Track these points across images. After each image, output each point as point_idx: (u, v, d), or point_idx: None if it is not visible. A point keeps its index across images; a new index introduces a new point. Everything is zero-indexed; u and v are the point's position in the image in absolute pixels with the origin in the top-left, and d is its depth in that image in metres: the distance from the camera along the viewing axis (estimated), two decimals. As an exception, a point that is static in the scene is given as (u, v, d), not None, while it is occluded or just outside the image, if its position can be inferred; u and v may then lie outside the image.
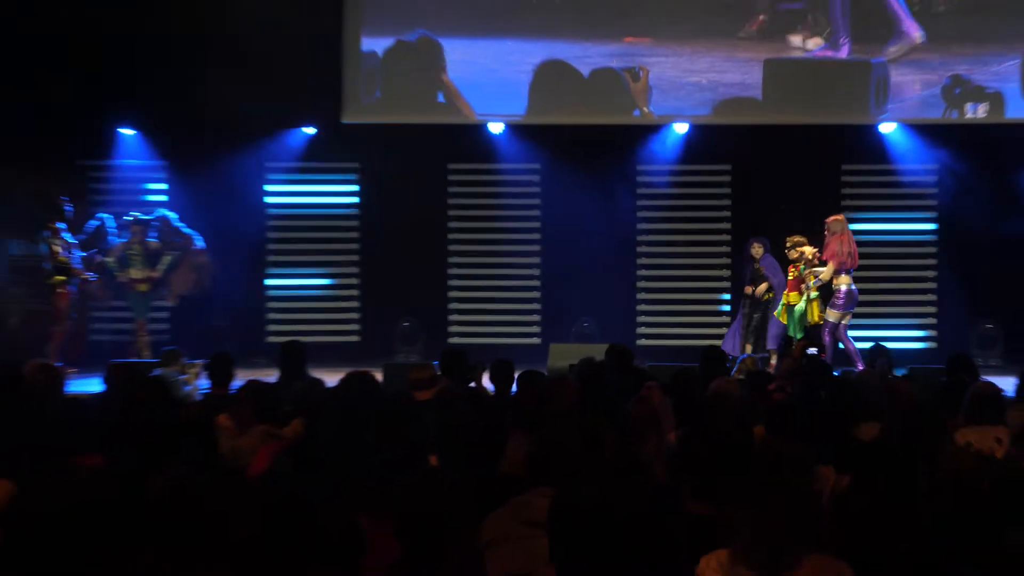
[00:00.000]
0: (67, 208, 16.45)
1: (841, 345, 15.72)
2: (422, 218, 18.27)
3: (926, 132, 17.88)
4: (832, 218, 15.89)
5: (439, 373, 9.84)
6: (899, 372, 12.08)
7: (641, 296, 18.59)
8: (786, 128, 17.67)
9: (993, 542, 4.64)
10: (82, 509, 4.23)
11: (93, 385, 12.80)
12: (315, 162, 18.62)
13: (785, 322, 15.79)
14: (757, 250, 16.43)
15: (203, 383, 12.16)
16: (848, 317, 15.74)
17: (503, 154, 18.41)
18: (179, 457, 5.59)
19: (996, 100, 17.62)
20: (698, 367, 11.05)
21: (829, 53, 17.79)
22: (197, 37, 16.60)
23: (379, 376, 10.63)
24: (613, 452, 6.09)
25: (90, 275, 16.47)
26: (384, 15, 18.05)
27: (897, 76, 17.71)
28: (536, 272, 18.61)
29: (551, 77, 17.94)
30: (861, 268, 15.82)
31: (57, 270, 16.25)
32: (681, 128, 18.12)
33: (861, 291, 15.86)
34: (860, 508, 5.16)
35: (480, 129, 18.27)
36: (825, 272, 15.51)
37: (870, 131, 17.97)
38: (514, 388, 9.83)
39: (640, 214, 18.52)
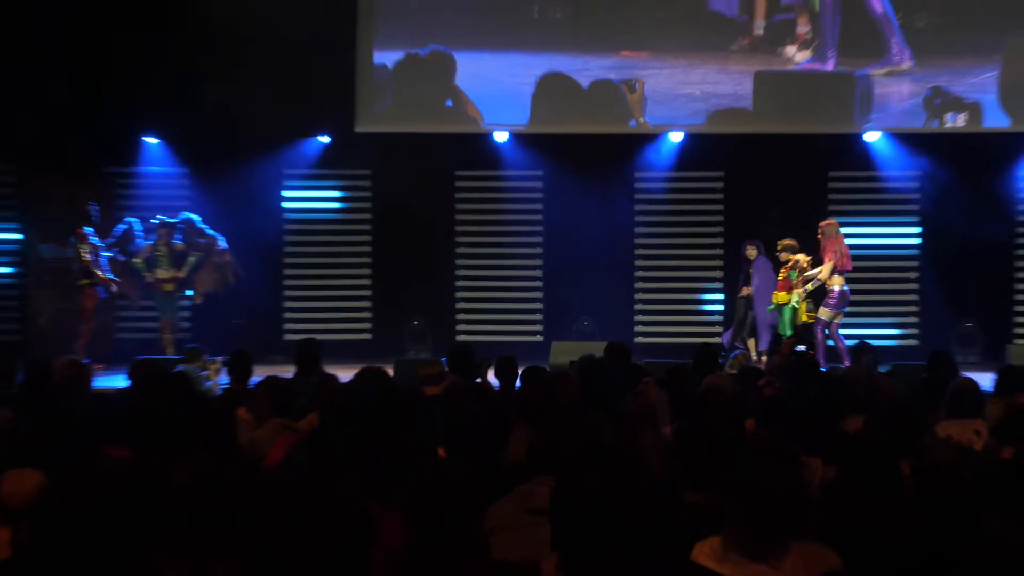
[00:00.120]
0: (94, 212, 16.48)
1: (831, 342, 15.74)
2: (431, 222, 18.27)
3: (909, 141, 17.88)
4: (825, 222, 15.94)
5: (447, 369, 9.86)
6: (883, 368, 12.06)
7: (638, 296, 18.59)
8: (776, 137, 17.68)
9: (973, 530, 4.64)
10: (109, 498, 4.24)
11: (119, 381, 12.81)
12: (329, 169, 18.64)
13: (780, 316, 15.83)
14: (751, 252, 16.48)
15: (223, 379, 12.18)
16: (840, 316, 15.75)
17: (507, 162, 18.41)
18: (201, 448, 5.59)
19: (974, 110, 17.63)
20: (692, 363, 11.06)
21: (817, 66, 17.79)
22: (218, 51, 16.60)
23: (390, 372, 10.63)
24: (612, 444, 6.09)
25: (112, 277, 16.47)
26: (394, 30, 18.06)
27: (881, 87, 17.73)
28: (539, 273, 18.61)
29: (552, 89, 17.95)
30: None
31: (84, 272, 16.28)
32: (676, 137, 18.12)
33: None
34: (845, 498, 5.17)
35: (486, 138, 18.27)
36: (823, 271, 15.52)
37: (856, 140, 17.97)
38: (518, 383, 9.83)
39: (637, 218, 18.52)
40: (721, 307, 18.33)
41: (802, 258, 15.76)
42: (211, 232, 17.10)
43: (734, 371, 12.84)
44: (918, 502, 5.10)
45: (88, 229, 16.32)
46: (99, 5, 16.65)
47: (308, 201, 18.77)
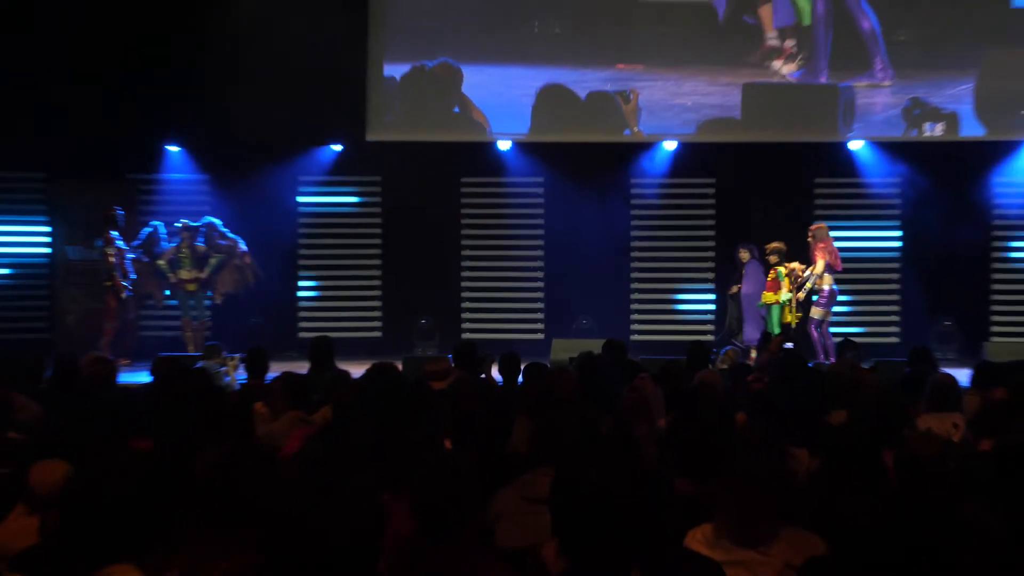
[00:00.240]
0: (120, 217, 16.51)
1: (820, 340, 15.78)
2: (438, 226, 18.27)
3: (890, 149, 17.88)
4: (815, 226, 16.02)
5: (453, 365, 9.85)
6: (866, 364, 12.05)
7: (634, 296, 18.58)
8: (765, 145, 17.66)
9: (952, 518, 4.63)
10: (132, 488, 4.24)
11: (142, 376, 12.81)
12: (342, 175, 18.63)
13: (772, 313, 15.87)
14: (743, 255, 16.51)
15: (241, 374, 12.17)
16: (829, 315, 15.78)
17: (510, 169, 18.40)
18: (220, 440, 5.59)
19: (951, 120, 17.63)
20: (685, 360, 11.06)
21: (802, 78, 17.78)
22: (236, 63, 16.58)
23: (399, 367, 10.63)
24: (608, 435, 6.09)
25: (133, 278, 16.51)
26: (403, 44, 18.06)
27: (863, 98, 17.73)
28: (540, 274, 18.60)
29: (551, 99, 17.95)
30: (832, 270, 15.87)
31: (109, 274, 16.31)
32: (670, 146, 18.11)
33: (833, 291, 15.94)
34: (830, 487, 5.16)
35: (490, 146, 18.26)
36: (817, 268, 15.55)
37: (840, 148, 17.96)
38: (520, 379, 9.83)
39: (633, 223, 18.50)
40: (712, 307, 18.32)
41: (796, 266, 15.79)
42: (232, 235, 17.11)
43: (725, 367, 12.86)
44: (902, 491, 5.10)
45: (114, 233, 16.35)
46: (125, 24, 16.63)
47: (322, 206, 18.75)
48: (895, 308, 18.24)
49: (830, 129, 17.84)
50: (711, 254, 18.40)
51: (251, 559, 4.14)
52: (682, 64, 17.87)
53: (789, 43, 17.78)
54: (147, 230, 17.13)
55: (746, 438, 6.20)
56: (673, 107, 17.92)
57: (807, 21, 17.76)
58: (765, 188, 17.80)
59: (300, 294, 18.68)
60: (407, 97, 18.11)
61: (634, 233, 18.51)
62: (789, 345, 13.78)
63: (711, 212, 18.47)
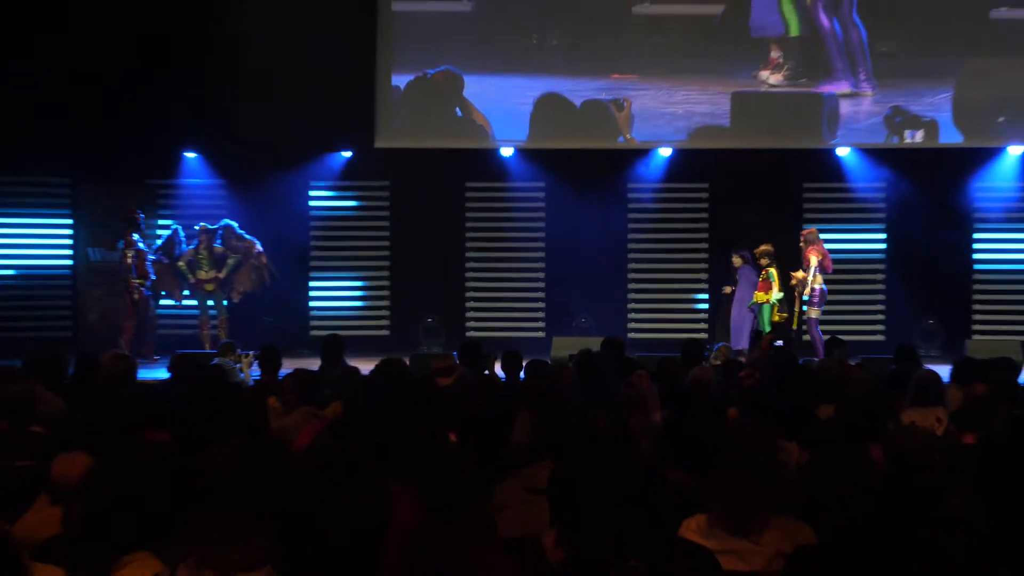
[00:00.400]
0: (141, 219, 16.56)
1: (807, 337, 15.81)
2: (443, 229, 18.27)
3: (875, 155, 17.88)
4: (807, 230, 16.08)
5: (458, 362, 9.84)
6: (853, 361, 12.03)
7: (631, 296, 18.57)
8: (756, 152, 17.67)
9: (937, 509, 4.62)
10: (151, 479, 4.23)
11: (161, 373, 12.81)
12: (351, 180, 18.63)
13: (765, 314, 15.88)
14: (737, 260, 16.52)
15: (255, 371, 12.17)
16: (820, 313, 15.84)
17: (513, 174, 18.40)
18: (234, 433, 5.58)
19: (931, 127, 17.65)
20: (680, 357, 11.05)
21: (789, 87, 17.80)
22: (250, 74, 16.61)
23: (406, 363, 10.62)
24: (605, 429, 6.08)
25: (148, 282, 16.54)
26: (409, 54, 18.09)
27: (846, 106, 17.74)
28: (541, 275, 18.59)
29: (549, 108, 17.97)
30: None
31: (129, 274, 16.36)
32: (665, 152, 18.12)
33: (821, 291, 15.96)
34: (819, 478, 5.15)
35: (493, 153, 18.27)
36: (811, 268, 15.59)
37: (828, 154, 17.97)
38: (522, 375, 9.82)
39: (630, 226, 18.50)
40: (706, 306, 18.32)
41: (799, 275, 15.82)
42: (248, 237, 17.12)
43: (718, 363, 12.85)
44: (888, 482, 5.09)
45: (135, 236, 16.40)
46: (146, 39, 16.64)
47: (332, 209, 18.76)
48: (881, 307, 18.23)
49: (815, 136, 17.86)
50: (705, 256, 18.40)
51: (264, 547, 4.13)
52: (674, 74, 17.89)
53: (776, 53, 17.78)
54: (167, 233, 17.17)
55: (738, 432, 6.19)
56: (665, 115, 17.94)
57: (794, 32, 17.77)
58: (756, 193, 17.80)
59: (311, 294, 18.68)
60: (413, 105, 18.12)
61: (631, 236, 18.50)
62: (779, 343, 13.77)
63: (704, 216, 18.47)
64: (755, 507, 4.61)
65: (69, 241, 18.06)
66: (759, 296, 15.88)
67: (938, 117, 17.63)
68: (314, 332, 17.71)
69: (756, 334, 15.56)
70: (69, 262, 18.07)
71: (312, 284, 18.69)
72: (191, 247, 17.00)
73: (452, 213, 18.42)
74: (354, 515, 4.21)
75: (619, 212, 18.38)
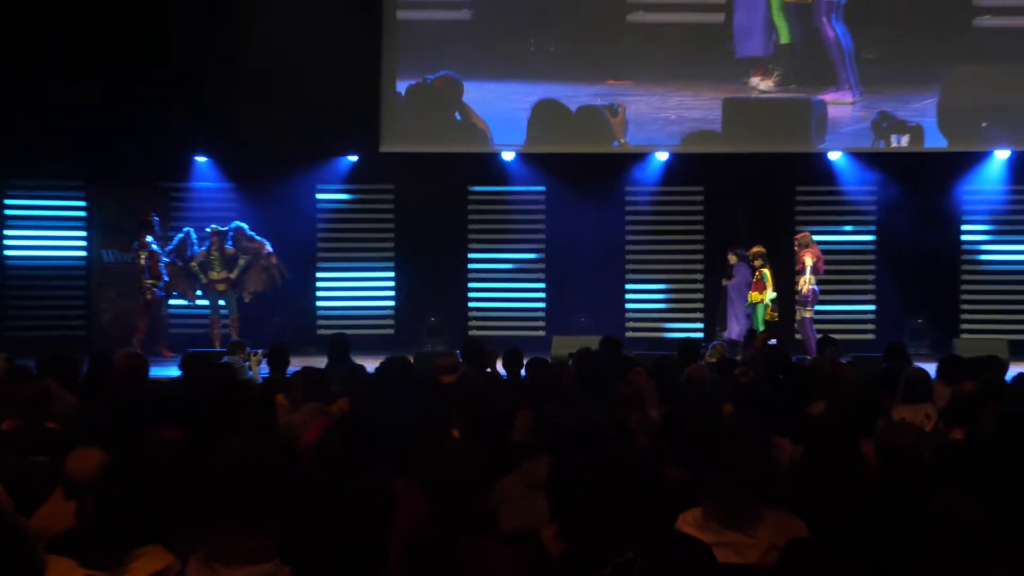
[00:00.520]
0: (155, 221, 16.60)
1: (798, 336, 15.82)
2: (446, 231, 18.27)
3: (866, 159, 17.89)
4: (801, 234, 16.18)
5: (461, 360, 9.83)
6: (845, 359, 12.03)
7: (629, 296, 18.58)
8: (750, 156, 17.67)
9: (927, 504, 4.62)
10: (162, 474, 4.23)
11: (172, 370, 12.81)
12: (357, 183, 18.65)
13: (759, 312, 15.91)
14: (732, 259, 16.55)
15: (263, 369, 12.16)
16: (812, 312, 15.90)
17: (514, 178, 18.42)
18: (244, 430, 5.58)
19: (917, 132, 17.66)
20: (676, 355, 11.04)
21: (779, 93, 17.81)
22: (259, 79, 16.61)
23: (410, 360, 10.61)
24: (603, 425, 6.08)
25: (161, 283, 16.57)
26: (413, 61, 18.12)
27: (834, 112, 17.76)
28: (541, 276, 18.61)
29: (545, 113, 17.99)
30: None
31: (142, 275, 16.39)
32: (662, 156, 18.13)
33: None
34: (811, 473, 5.15)
35: (495, 157, 18.28)
36: (808, 264, 15.66)
37: (819, 158, 17.98)
38: (523, 372, 9.82)
39: (628, 227, 18.50)
40: (701, 305, 18.31)
41: (802, 279, 15.87)
42: (259, 238, 17.12)
43: (713, 360, 12.84)
44: (880, 477, 5.08)
45: (149, 238, 16.42)
46: (156, 46, 16.67)
47: (338, 212, 18.76)
48: (871, 307, 18.24)
49: (804, 141, 17.88)
50: (700, 257, 18.40)
51: (272, 541, 4.13)
52: (667, 80, 17.91)
53: (767, 60, 17.81)
54: (179, 235, 17.18)
55: (733, 428, 6.19)
56: (658, 120, 17.97)
57: (784, 39, 17.78)
58: (750, 196, 17.81)
59: (318, 294, 18.68)
60: (415, 110, 18.14)
61: (629, 237, 18.51)
62: (773, 341, 13.76)
63: (700, 218, 18.47)
64: (749, 501, 4.60)
65: (83, 243, 18.08)
66: (753, 296, 15.90)
67: (923, 122, 17.65)
68: (321, 331, 17.71)
69: (751, 333, 15.56)
70: (83, 263, 18.08)
71: (319, 284, 18.69)
72: (203, 248, 17.02)
73: (455, 215, 18.43)
74: (360, 509, 4.21)
75: (617, 214, 18.38)
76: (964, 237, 18.11)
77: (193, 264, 16.93)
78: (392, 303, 18.69)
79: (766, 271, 15.86)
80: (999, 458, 4.84)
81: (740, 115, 17.91)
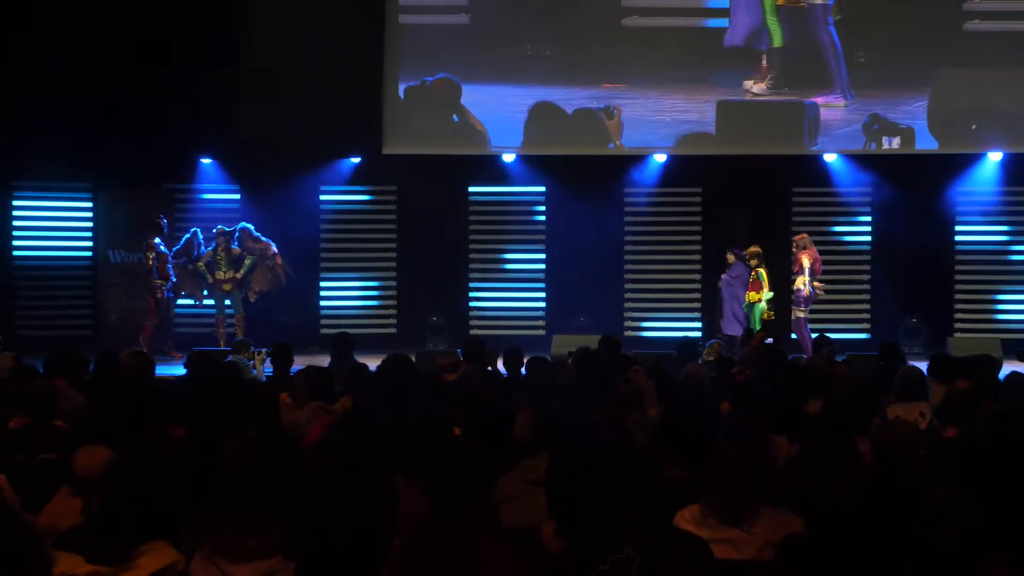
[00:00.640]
0: (164, 224, 16.62)
1: (794, 335, 15.82)
2: (448, 231, 18.26)
3: (861, 160, 17.88)
4: (799, 236, 16.17)
5: (462, 359, 9.83)
6: (840, 358, 12.03)
7: (628, 295, 18.56)
8: (747, 158, 17.66)
9: (922, 500, 4.62)
10: (168, 472, 4.23)
11: (177, 369, 12.81)
12: (360, 185, 18.64)
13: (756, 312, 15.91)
14: (730, 258, 16.55)
15: (267, 368, 12.16)
16: (807, 313, 15.90)
17: (514, 179, 18.42)
18: (248, 427, 5.59)
19: (908, 134, 17.66)
20: (675, 354, 11.05)
21: (772, 96, 17.81)
22: (263, 82, 16.60)
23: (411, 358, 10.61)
24: (602, 423, 6.08)
25: (169, 283, 16.58)
26: (414, 65, 18.10)
27: (826, 114, 17.76)
28: (541, 276, 18.59)
29: (542, 115, 17.99)
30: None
31: (149, 276, 16.41)
32: (660, 158, 18.13)
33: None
34: (807, 470, 5.14)
35: (495, 158, 18.27)
36: (806, 265, 15.67)
37: (815, 159, 17.98)
38: (523, 371, 9.82)
39: (627, 228, 18.48)
40: (699, 305, 18.30)
41: (818, 285, 15.89)
42: (265, 239, 17.11)
43: (711, 358, 12.84)
44: (875, 474, 5.08)
45: (157, 240, 16.44)
46: (160, 50, 16.66)
47: (342, 213, 18.75)
48: (867, 307, 18.23)
49: (796, 143, 17.88)
50: (698, 257, 18.38)
51: (275, 537, 4.13)
52: (662, 83, 17.90)
53: (760, 63, 17.82)
54: (186, 236, 17.17)
55: (730, 426, 6.19)
56: (653, 122, 17.97)
57: (777, 43, 17.79)
58: (747, 197, 17.81)
59: (322, 294, 18.68)
60: (416, 112, 18.15)
61: (627, 238, 18.49)
62: (770, 340, 13.76)
63: (698, 219, 18.46)
64: (746, 498, 4.60)
65: (89, 244, 18.08)
66: (750, 296, 15.90)
67: (914, 124, 17.66)
68: (324, 330, 17.69)
69: (748, 332, 15.55)
70: (89, 264, 18.08)
71: (322, 284, 18.68)
72: (209, 249, 17.00)
73: (456, 216, 18.42)
74: (362, 506, 4.21)
75: (616, 215, 18.38)
76: (958, 237, 18.10)
77: (200, 264, 16.92)
78: (394, 303, 18.68)
79: (762, 271, 15.86)
80: (993, 456, 4.83)
81: (734, 118, 17.91)
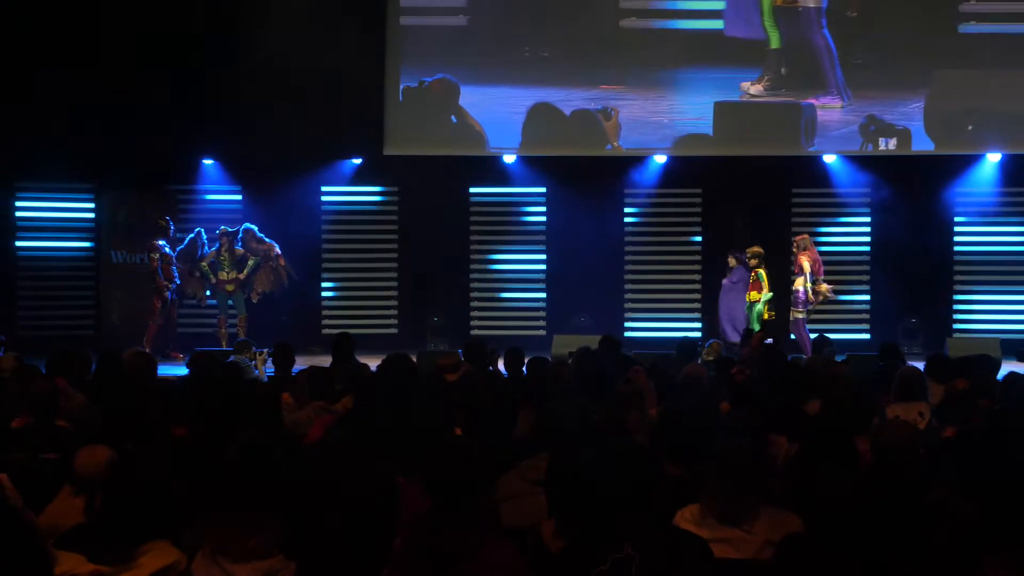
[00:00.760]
0: (169, 225, 16.63)
1: (793, 336, 15.83)
2: (449, 232, 18.25)
3: (860, 161, 17.88)
4: (799, 237, 16.16)
5: (463, 359, 9.83)
6: (839, 358, 12.03)
7: (628, 296, 18.55)
8: (746, 159, 17.66)
9: (922, 500, 4.62)
10: (170, 471, 4.23)
11: (180, 369, 12.80)
12: (361, 186, 18.63)
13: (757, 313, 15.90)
14: (731, 261, 16.52)
15: (269, 368, 12.16)
16: (805, 314, 15.90)
17: (515, 179, 18.41)
18: (250, 427, 5.58)
19: (904, 136, 17.64)
20: (674, 354, 11.04)
21: (769, 98, 17.81)
22: (265, 85, 16.60)
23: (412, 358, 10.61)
24: (601, 423, 6.07)
25: (174, 285, 16.60)
26: (415, 66, 18.10)
27: (822, 115, 17.75)
28: (542, 276, 18.58)
29: (540, 117, 17.99)
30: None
31: (153, 277, 16.42)
32: (660, 159, 18.12)
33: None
34: (807, 470, 5.14)
35: (496, 159, 18.27)
36: (806, 267, 15.67)
37: (815, 160, 17.97)
38: (524, 371, 9.81)
39: (627, 228, 18.47)
40: (699, 305, 18.29)
41: (823, 287, 15.89)
42: (268, 240, 17.10)
43: (710, 359, 12.83)
44: (874, 473, 5.08)
45: (161, 241, 16.44)
46: (164, 53, 16.66)
47: (343, 214, 18.73)
48: (866, 307, 18.22)
49: (793, 144, 17.86)
50: (698, 258, 18.38)
51: (277, 536, 4.13)
52: (659, 84, 17.91)
53: (758, 65, 17.83)
54: (190, 236, 17.17)
55: (730, 426, 6.19)
56: (650, 124, 17.97)
57: (774, 45, 17.78)
58: (747, 197, 17.81)
59: (323, 294, 18.67)
60: (414, 112, 18.15)
61: (628, 238, 18.49)
62: (769, 341, 13.76)
63: (698, 219, 18.45)
64: (746, 497, 4.60)
65: (92, 244, 18.09)
66: (751, 296, 15.90)
67: (911, 126, 17.66)
68: (326, 331, 17.68)
69: (747, 332, 15.55)
70: (91, 264, 18.08)
71: (324, 285, 18.68)
72: (213, 249, 17.00)
73: (457, 217, 18.41)
74: (364, 505, 4.21)
75: (616, 216, 18.37)
76: (957, 238, 18.10)
77: (204, 264, 16.91)
78: (396, 303, 18.68)
79: (762, 271, 15.85)
80: (991, 454, 4.83)
81: (731, 119, 17.91)
